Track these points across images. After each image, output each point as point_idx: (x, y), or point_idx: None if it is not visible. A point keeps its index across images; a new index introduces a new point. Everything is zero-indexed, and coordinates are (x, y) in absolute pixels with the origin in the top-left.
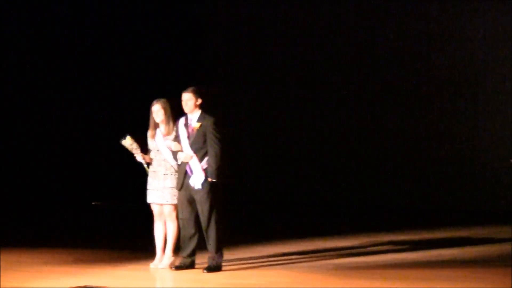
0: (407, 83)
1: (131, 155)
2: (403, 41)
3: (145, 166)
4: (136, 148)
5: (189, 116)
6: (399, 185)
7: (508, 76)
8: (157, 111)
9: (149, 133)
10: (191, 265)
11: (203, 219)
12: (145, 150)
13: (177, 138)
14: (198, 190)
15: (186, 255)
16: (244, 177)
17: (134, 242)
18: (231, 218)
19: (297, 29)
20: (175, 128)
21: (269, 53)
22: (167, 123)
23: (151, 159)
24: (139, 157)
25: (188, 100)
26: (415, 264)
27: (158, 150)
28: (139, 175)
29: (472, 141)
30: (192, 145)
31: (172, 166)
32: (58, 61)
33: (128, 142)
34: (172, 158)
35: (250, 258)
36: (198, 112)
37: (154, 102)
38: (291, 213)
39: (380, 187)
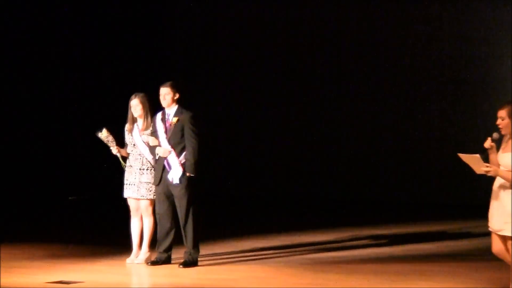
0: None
1: (107, 148)
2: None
3: (121, 159)
4: (111, 141)
5: (166, 110)
6: (378, 179)
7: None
8: (135, 105)
9: (127, 127)
10: (167, 260)
11: (180, 214)
12: (121, 144)
13: (154, 133)
14: (176, 185)
15: (162, 250)
16: (220, 171)
17: (111, 237)
18: (207, 213)
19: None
20: (152, 123)
21: (251, 46)
22: (145, 118)
23: (127, 154)
24: (114, 150)
25: (166, 94)
26: (393, 258)
27: (134, 145)
28: (116, 169)
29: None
30: (170, 140)
31: (148, 161)
32: (31, 56)
33: (104, 134)
34: (148, 153)
35: (227, 253)
36: (175, 107)
37: (133, 96)
38: (267, 207)
39: (358, 181)
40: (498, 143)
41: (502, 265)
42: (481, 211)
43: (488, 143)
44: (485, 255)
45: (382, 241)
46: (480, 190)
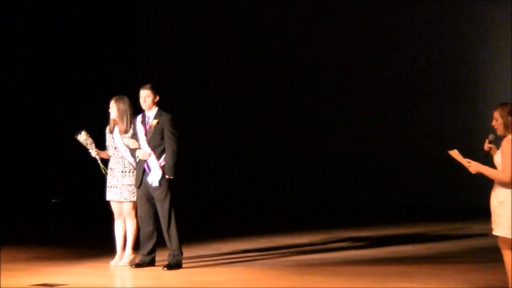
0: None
1: (87, 151)
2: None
3: (100, 162)
4: (90, 144)
5: (146, 113)
6: (360, 181)
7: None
8: (111, 107)
9: (108, 127)
10: (151, 263)
11: (162, 217)
12: (101, 146)
13: (134, 136)
14: (156, 187)
15: (146, 253)
16: (204, 174)
17: (94, 240)
18: (191, 215)
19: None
20: (132, 126)
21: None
22: (121, 120)
23: (108, 156)
24: (93, 152)
25: (146, 96)
26: (377, 260)
27: (115, 148)
28: (98, 172)
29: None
30: (149, 142)
31: (130, 163)
32: (9, 60)
33: (83, 137)
34: (130, 155)
35: (210, 255)
36: (155, 109)
37: (112, 98)
38: (251, 210)
39: (342, 183)
40: (497, 143)
41: (486, 266)
42: (466, 213)
43: (486, 145)
44: (469, 257)
45: (366, 243)
46: (466, 193)
